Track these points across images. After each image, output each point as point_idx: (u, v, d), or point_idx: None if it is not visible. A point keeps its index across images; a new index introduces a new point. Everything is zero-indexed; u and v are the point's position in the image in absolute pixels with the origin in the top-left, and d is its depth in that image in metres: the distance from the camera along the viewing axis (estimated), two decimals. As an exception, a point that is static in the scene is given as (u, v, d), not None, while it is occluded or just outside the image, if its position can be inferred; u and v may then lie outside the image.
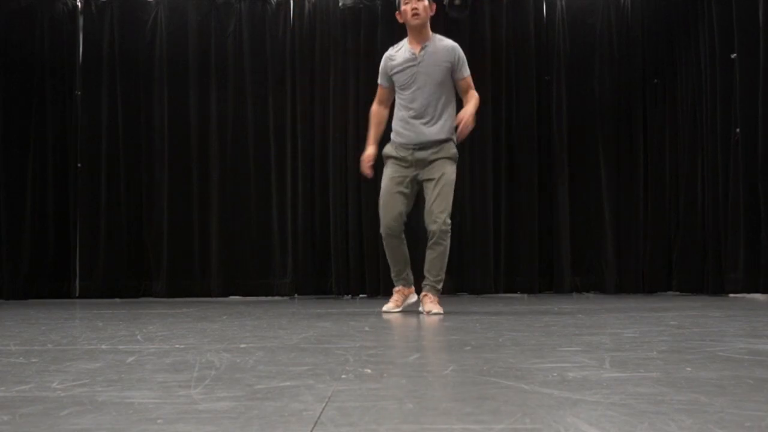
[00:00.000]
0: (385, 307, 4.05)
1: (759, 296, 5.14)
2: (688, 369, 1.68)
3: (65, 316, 3.93)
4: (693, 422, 1.13)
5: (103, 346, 2.33)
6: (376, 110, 4.16)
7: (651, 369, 1.69)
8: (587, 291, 6.38)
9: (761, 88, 5.05)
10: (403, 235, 3.98)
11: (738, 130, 5.33)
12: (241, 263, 6.39)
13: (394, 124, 4.04)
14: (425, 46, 3.92)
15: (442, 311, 3.83)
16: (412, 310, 4.00)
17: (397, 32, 4.01)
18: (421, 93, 3.90)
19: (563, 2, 6.56)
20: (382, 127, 4.15)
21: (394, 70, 3.97)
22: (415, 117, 3.92)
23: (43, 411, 1.28)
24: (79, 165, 6.48)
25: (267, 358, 1.98)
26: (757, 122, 5.09)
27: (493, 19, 6.48)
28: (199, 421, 1.18)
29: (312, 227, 6.36)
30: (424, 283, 3.93)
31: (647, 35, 6.48)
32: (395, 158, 3.99)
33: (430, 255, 3.90)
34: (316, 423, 1.15)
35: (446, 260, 3.91)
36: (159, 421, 1.19)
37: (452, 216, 3.92)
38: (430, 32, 3.98)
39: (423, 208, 3.97)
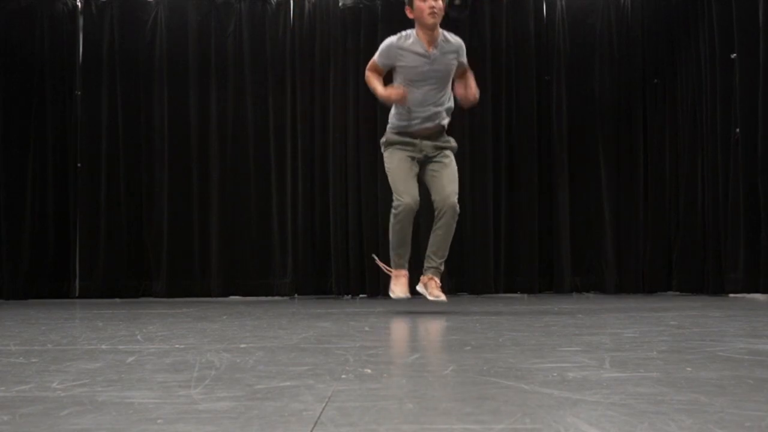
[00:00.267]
0: (398, 293, 3.92)
1: (759, 296, 5.14)
2: (688, 369, 1.68)
3: (65, 316, 3.93)
4: (693, 422, 1.13)
5: (103, 346, 2.33)
6: (373, 72, 4.00)
7: (651, 369, 1.69)
8: (587, 291, 6.38)
9: (761, 88, 5.04)
10: None
11: (738, 130, 5.32)
12: (241, 263, 6.39)
13: (395, 118, 3.99)
14: (437, 45, 3.86)
15: (446, 299, 3.87)
16: (418, 297, 3.99)
17: (397, 32, 3.99)
18: (430, 90, 3.88)
19: (563, 2, 6.56)
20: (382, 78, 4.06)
21: (401, 63, 3.87)
22: (419, 112, 3.89)
23: (43, 411, 1.28)
24: (79, 165, 6.47)
25: (267, 358, 1.98)
26: (756, 122, 5.09)
27: (493, 19, 6.48)
28: (199, 421, 1.18)
29: (312, 227, 6.36)
30: (428, 266, 3.89)
31: (647, 35, 6.48)
32: (400, 143, 3.95)
33: (437, 235, 3.86)
34: (316, 423, 1.15)
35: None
36: (159, 421, 1.19)
37: None
38: (440, 29, 3.92)
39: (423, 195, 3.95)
